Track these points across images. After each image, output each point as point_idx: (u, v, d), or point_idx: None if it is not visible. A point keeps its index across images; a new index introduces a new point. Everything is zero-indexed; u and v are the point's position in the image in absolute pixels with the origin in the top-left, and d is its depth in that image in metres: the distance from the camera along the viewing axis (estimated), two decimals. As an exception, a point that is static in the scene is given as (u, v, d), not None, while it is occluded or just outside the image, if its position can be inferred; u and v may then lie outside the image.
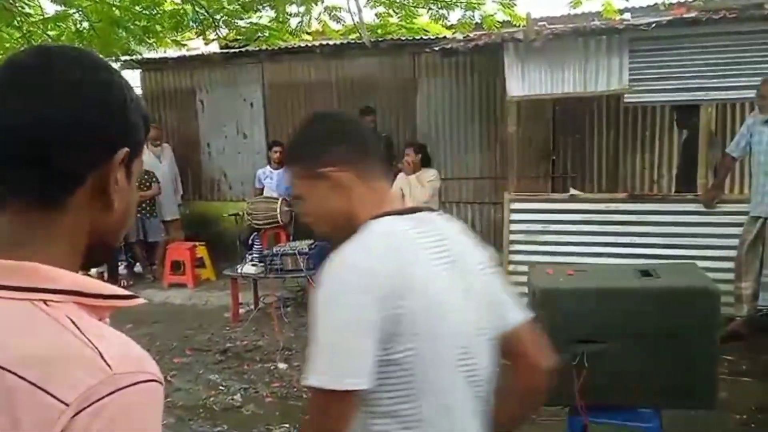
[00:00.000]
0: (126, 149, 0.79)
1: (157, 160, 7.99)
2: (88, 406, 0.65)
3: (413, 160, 6.78)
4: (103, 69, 0.79)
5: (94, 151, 0.77)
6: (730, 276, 4.92)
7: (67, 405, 0.64)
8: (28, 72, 0.75)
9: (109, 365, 0.67)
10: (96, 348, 0.68)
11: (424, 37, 7.93)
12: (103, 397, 0.65)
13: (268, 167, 8.03)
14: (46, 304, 0.71)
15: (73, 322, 0.70)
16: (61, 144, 0.74)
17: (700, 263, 3.23)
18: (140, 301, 0.81)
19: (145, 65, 9.06)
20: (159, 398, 0.71)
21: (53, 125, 0.73)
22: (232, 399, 4.34)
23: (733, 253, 4.99)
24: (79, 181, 0.76)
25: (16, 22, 7.76)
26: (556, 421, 3.57)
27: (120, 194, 0.80)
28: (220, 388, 4.56)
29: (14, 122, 0.73)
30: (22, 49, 0.80)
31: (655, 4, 8.19)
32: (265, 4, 7.99)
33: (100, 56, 0.83)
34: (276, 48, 8.48)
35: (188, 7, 7.90)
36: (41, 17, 8.13)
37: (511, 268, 5.82)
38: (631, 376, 2.55)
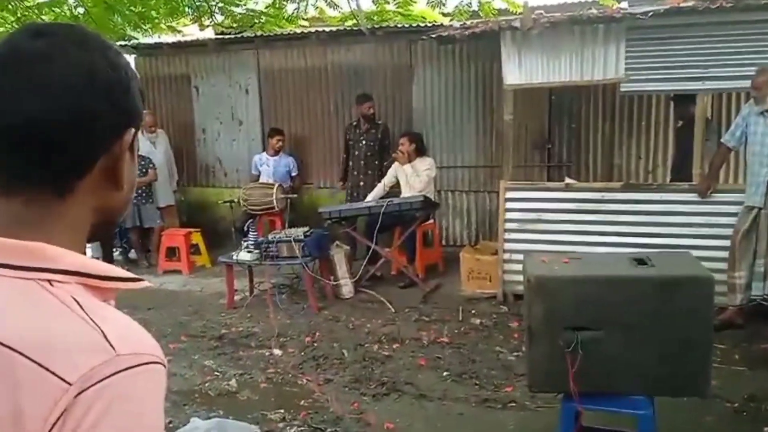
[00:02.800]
0: (132, 129, 0.80)
1: (152, 146, 7.97)
2: (92, 385, 0.65)
3: (407, 149, 6.77)
4: (107, 49, 0.79)
5: (105, 136, 0.77)
6: (724, 265, 4.95)
7: (70, 384, 0.65)
8: (33, 59, 0.74)
9: (113, 346, 0.68)
10: (100, 329, 0.69)
11: (421, 25, 7.90)
12: (106, 378, 0.66)
13: (265, 153, 8.03)
14: (51, 285, 0.71)
15: (78, 303, 0.70)
16: (74, 133, 0.74)
17: (695, 252, 3.24)
18: (145, 283, 0.81)
19: (140, 50, 9.00)
20: (162, 380, 0.72)
21: (64, 116, 0.73)
22: (228, 384, 4.35)
23: (727, 242, 5.02)
24: (91, 165, 0.77)
25: (10, 6, 7.70)
26: (550, 408, 3.62)
27: (125, 173, 0.81)
28: (216, 373, 4.57)
29: (24, 114, 0.72)
30: (19, 30, 0.77)
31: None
32: (261, -10, 7.96)
33: (98, 34, 0.83)
34: (272, 34, 8.43)
35: (184, -8, 7.85)
36: (36, 1, 8.07)
37: (506, 256, 5.85)
38: (625, 363, 2.57)
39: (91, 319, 0.69)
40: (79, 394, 0.65)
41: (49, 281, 0.71)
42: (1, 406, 0.65)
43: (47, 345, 0.66)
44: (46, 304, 0.70)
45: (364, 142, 7.29)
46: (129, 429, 0.67)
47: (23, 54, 0.74)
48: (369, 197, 6.87)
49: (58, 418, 0.64)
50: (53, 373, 0.65)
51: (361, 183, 7.33)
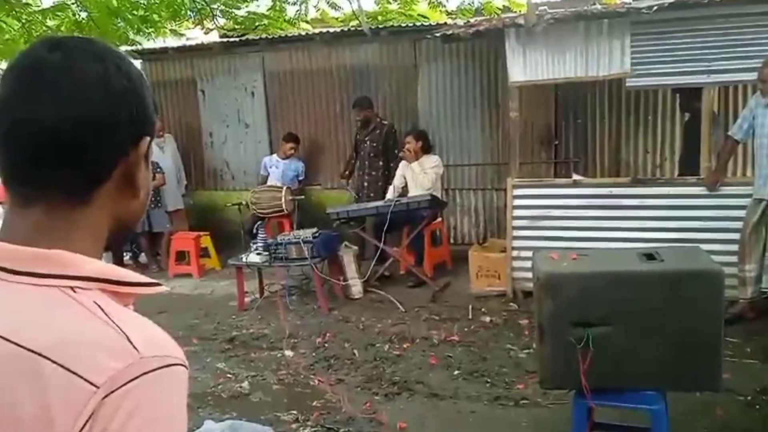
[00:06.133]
0: (148, 138, 0.82)
1: (160, 151, 7.99)
2: (118, 388, 0.67)
3: (414, 147, 6.78)
4: (121, 60, 0.81)
5: (121, 144, 0.79)
6: (734, 259, 4.94)
7: (97, 387, 0.67)
8: (51, 71, 0.76)
9: (136, 349, 0.70)
10: (123, 332, 0.71)
11: (425, 24, 7.91)
12: (131, 380, 0.68)
13: (275, 156, 8.06)
14: (74, 291, 0.73)
15: (101, 308, 0.72)
16: (90, 143, 0.76)
17: (704, 246, 3.23)
18: (163, 288, 0.83)
19: (146, 55, 9.04)
20: (184, 381, 0.74)
21: (82, 125, 0.75)
22: (240, 386, 4.37)
23: (736, 235, 5.00)
24: (109, 173, 0.79)
25: (15, 12, 7.76)
26: (562, 405, 3.62)
27: (141, 181, 0.83)
28: (228, 375, 4.59)
29: (43, 124, 0.74)
30: (37, 43, 0.80)
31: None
32: (262, -7, 8.00)
33: (113, 46, 0.85)
34: (276, 36, 8.47)
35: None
36: (39, 8, 8.13)
37: (515, 253, 5.85)
38: (636, 358, 2.57)
39: (115, 323, 0.71)
40: (106, 396, 0.67)
41: (72, 288, 0.73)
42: (32, 410, 0.67)
43: (74, 349, 0.68)
44: (71, 310, 0.72)
45: (368, 142, 7.30)
46: (155, 430, 0.69)
47: (42, 65, 0.76)
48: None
49: (87, 421, 0.66)
50: (80, 376, 0.67)
51: (365, 183, 7.34)
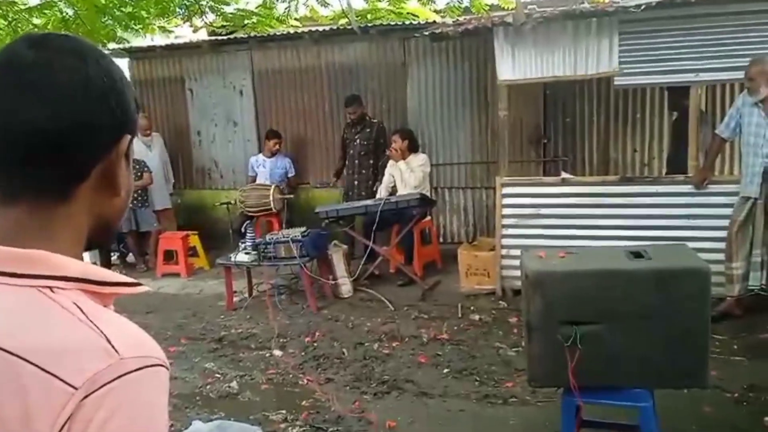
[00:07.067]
0: (128, 136, 0.81)
1: (148, 150, 7.96)
2: (97, 389, 0.66)
3: (400, 146, 6.78)
4: (101, 58, 0.80)
5: (101, 142, 0.79)
6: (721, 256, 4.97)
7: (76, 389, 0.66)
8: (31, 69, 0.75)
9: (116, 350, 0.69)
10: (103, 333, 0.70)
11: (414, 22, 7.90)
12: (110, 381, 0.67)
13: (261, 155, 8.03)
14: (53, 291, 0.72)
15: (80, 309, 0.71)
16: (72, 141, 0.75)
17: (691, 244, 3.24)
18: (144, 288, 0.82)
19: (134, 54, 8.99)
20: (165, 382, 0.73)
21: (64, 124, 0.74)
22: (229, 386, 4.35)
23: (723, 233, 5.03)
24: (89, 171, 0.78)
25: (0, 10, 7.69)
26: (551, 402, 3.63)
27: (122, 179, 0.82)
28: (216, 375, 4.57)
29: (26, 123, 0.73)
30: (16, 41, 0.79)
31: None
32: (252, -11, 7.96)
33: (92, 43, 0.84)
34: (265, 35, 8.43)
35: (174, -8, 7.84)
36: (26, 5, 8.06)
37: (504, 251, 5.86)
38: (624, 356, 2.57)
39: (94, 324, 0.70)
40: (85, 398, 0.66)
41: (50, 288, 0.72)
42: (10, 412, 0.66)
43: (52, 351, 0.67)
44: (49, 311, 0.70)
45: (358, 141, 7.29)
46: (135, 430, 0.68)
47: (21, 63, 0.75)
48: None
49: (65, 423, 0.65)
50: (59, 378, 0.66)
51: (356, 182, 7.34)
